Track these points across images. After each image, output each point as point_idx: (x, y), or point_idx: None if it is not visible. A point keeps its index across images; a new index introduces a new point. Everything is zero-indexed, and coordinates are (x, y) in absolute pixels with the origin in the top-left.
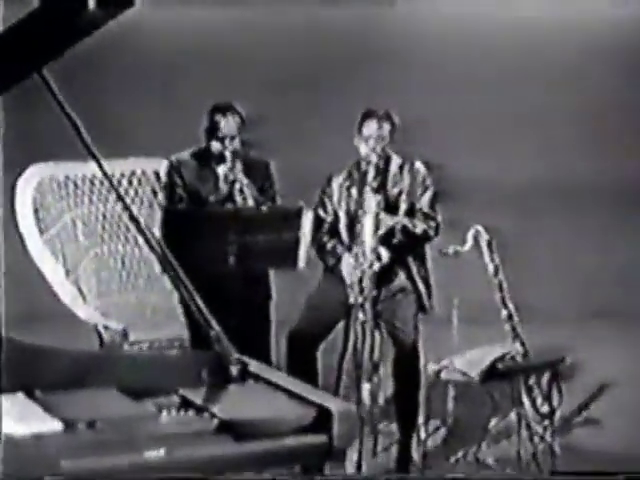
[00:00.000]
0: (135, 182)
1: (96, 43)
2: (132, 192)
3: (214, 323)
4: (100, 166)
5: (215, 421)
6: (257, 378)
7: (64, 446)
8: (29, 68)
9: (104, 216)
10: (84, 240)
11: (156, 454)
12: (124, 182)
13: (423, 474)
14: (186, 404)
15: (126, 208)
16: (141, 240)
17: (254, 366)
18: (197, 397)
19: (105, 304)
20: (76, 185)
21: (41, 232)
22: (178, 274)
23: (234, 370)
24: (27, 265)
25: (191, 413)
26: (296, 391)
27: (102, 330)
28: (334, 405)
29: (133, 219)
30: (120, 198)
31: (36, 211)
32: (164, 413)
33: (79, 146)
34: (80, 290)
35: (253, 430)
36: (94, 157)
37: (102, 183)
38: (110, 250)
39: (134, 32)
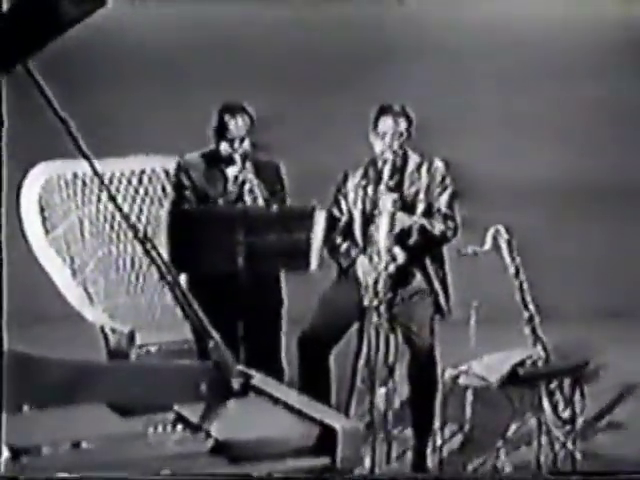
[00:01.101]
0: (145, 180)
1: (103, 41)
2: (142, 190)
3: (213, 332)
4: (91, 164)
5: (210, 441)
6: (259, 392)
7: (48, 468)
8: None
9: (112, 215)
10: (91, 240)
11: (145, 477)
12: (134, 180)
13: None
14: (181, 422)
15: (119, 210)
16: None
17: (257, 379)
18: (193, 414)
19: (113, 306)
20: (84, 183)
21: (47, 232)
22: (175, 279)
23: (235, 383)
24: (32, 265)
25: (185, 432)
26: (299, 408)
27: (109, 332)
28: (339, 424)
29: (129, 224)
30: (113, 199)
31: (42, 210)
32: (155, 432)
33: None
34: (87, 291)
35: (251, 451)
36: (83, 154)
37: (111, 181)
38: (118, 250)
39: (143, 28)
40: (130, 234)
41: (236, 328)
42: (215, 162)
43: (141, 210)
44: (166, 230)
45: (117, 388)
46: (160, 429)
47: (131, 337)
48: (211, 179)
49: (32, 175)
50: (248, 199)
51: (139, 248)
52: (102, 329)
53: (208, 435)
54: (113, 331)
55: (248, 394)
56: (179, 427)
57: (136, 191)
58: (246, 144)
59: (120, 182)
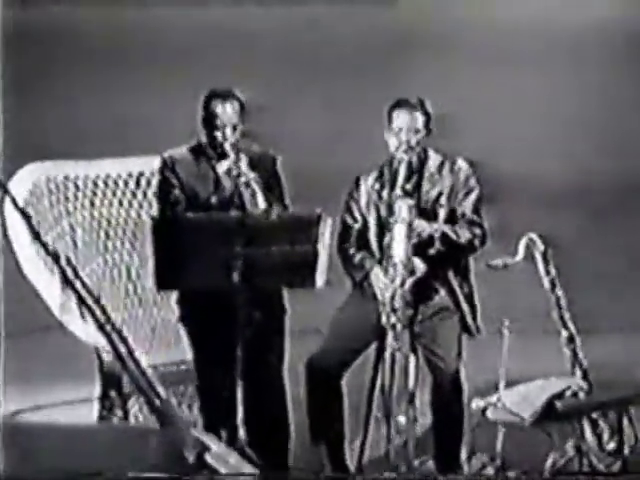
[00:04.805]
0: (143, 183)
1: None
2: (140, 194)
3: (161, 390)
4: None
5: None
6: (214, 472)
7: None
8: None
9: (108, 222)
10: (84, 249)
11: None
12: (131, 183)
13: None
14: None
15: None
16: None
17: (214, 454)
18: None
19: None
20: (77, 187)
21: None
22: (110, 320)
23: (190, 455)
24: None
25: None
26: None
27: (103, 354)
28: None
29: (40, 241)
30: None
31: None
32: None
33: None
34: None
35: None
36: None
37: (106, 184)
38: (114, 260)
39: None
40: (127, 242)
41: (234, 347)
42: (204, 156)
43: (139, 215)
44: (150, 240)
45: (43, 455)
46: None
47: None
48: (201, 176)
49: (19, 177)
50: (246, 195)
51: (136, 258)
52: (97, 350)
53: None
54: (108, 352)
55: (202, 470)
56: None
57: (133, 195)
58: (238, 133)
59: (116, 185)
